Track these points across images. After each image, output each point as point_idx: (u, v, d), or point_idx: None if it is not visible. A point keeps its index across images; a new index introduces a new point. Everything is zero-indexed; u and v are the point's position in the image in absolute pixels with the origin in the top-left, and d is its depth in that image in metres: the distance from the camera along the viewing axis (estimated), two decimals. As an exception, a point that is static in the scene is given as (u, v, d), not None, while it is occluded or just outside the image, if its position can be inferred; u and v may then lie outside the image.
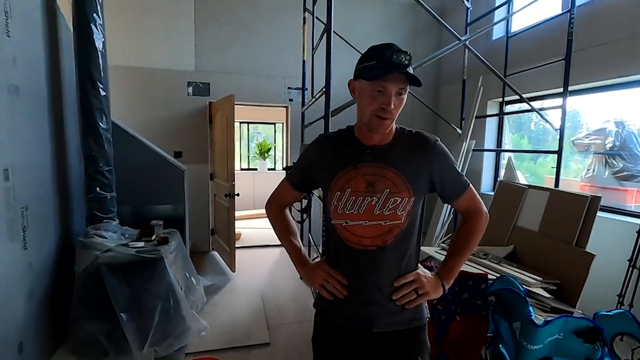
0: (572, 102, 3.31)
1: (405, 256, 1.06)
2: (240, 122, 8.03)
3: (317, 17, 3.16)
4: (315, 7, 3.14)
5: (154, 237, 2.53)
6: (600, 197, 2.43)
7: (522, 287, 1.78)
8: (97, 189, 2.37)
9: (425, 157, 1.05)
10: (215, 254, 4.44)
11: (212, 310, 2.98)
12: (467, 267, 2.52)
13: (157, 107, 4.19)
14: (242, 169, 7.95)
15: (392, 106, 0.95)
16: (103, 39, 2.33)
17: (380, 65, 0.92)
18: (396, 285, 1.05)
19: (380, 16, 4.77)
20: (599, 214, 2.92)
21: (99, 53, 2.30)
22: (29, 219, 1.96)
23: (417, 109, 4.77)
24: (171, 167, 3.13)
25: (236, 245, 4.49)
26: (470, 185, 1.11)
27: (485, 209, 1.12)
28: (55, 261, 2.27)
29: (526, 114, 4.14)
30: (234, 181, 3.59)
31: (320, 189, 1.17)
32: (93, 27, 2.25)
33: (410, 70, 0.95)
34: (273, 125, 8.25)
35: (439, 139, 1.09)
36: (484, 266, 2.57)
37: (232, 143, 3.58)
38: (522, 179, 4.15)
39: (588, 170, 3.36)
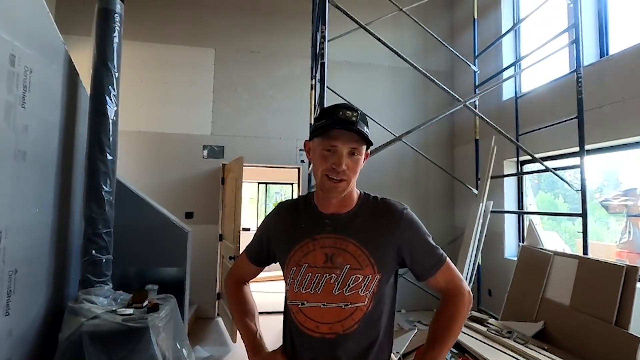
0: (606, 160, 3.11)
1: (372, 346, 0.90)
2: (259, 183, 8.19)
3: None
4: (318, 74, 3.30)
5: (145, 303, 2.42)
6: (638, 267, 2.13)
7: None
8: (93, 251, 2.35)
9: (392, 228, 0.93)
10: (220, 320, 4.21)
11: (204, 388, 2.71)
12: (485, 348, 2.20)
13: (173, 169, 4.35)
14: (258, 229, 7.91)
15: (344, 167, 0.86)
16: (116, 108, 2.49)
17: (327, 123, 0.87)
18: None
19: (389, 80, 4.94)
20: (641, 285, 2.56)
21: (110, 121, 2.44)
22: (17, 282, 1.93)
23: (432, 169, 4.67)
24: (175, 228, 3.12)
25: (241, 312, 4.28)
26: (448, 259, 0.96)
27: (467, 287, 0.96)
28: (41, 327, 2.19)
29: (560, 173, 3.91)
30: (239, 243, 3.51)
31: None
32: (107, 97, 2.42)
33: (365, 129, 0.88)
34: (291, 186, 8.34)
35: (408, 207, 0.97)
36: (507, 347, 2.23)
37: (239, 204, 3.57)
38: (559, 241, 3.78)
39: (623, 234, 3.03)
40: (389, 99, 4.91)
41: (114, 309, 2.29)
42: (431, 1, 4.37)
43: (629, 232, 2.95)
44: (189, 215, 4.31)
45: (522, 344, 2.27)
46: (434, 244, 0.96)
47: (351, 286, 0.88)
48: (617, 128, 2.74)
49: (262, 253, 1.06)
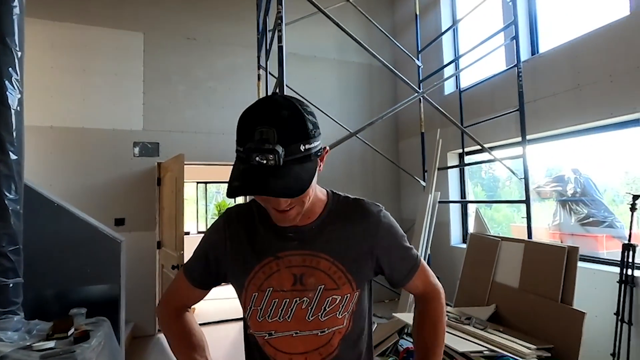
0: (520, 151, 3.37)
1: None
2: (198, 182, 7.64)
3: (270, 73, 3.09)
4: (268, 62, 3.09)
5: (71, 331, 2.01)
6: (577, 248, 2.31)
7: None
8: (-5, 275, 1.87)
9: (368, 236, 0.80)
10: (162, 337, 3.78)
11: (149, 420, 2.36)
12: (450, 337, 2.22)
13: (97, 171, 3.77)
14: (199, 232, 7.39)
15: (287, 205, 0.68)
16: (19, 96, 2.01)
17: (239, 172, 0.63)
18: None
19: (335, 73, 4.88)
20: (574, 263, 2.79)
21: (12, 112, 1.96)
22: None
23: (379, 162, 4.72)
24: (105, 238, 2.67)
25: (187, 325, 3.88)
26: (422, 259, 0.88)
27: (439, 283, 0.91)
28: None
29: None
30: (182, 250, 3.15)
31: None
32: (7, 82, 1.94)
33: (305, 146, 0.64)
34: (233, 184, 7.91)
35: (383, 208, 0.85)
36: (468, 333, 2.28)
37: (181, 207, 3.21)
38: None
39: (554, 217, 3.33)
40: (336, 93, 4.85)
41: (28, 344, 1.86)
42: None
43: (559, 215, 3.26)
44: (119, 222, 3.78)
45: (482, 329, 2.34)
46: (408, 245, 0.86)
47: (327, 309, 0.75)
48: (550, 120, 2.98)
49: (208, 275, 0.85)
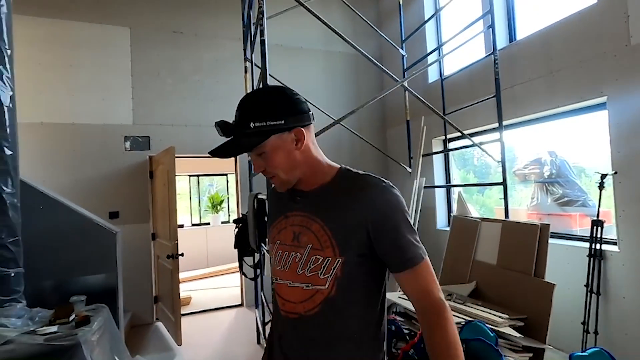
0: (505, 136, 3.49)
1: (340, 337, 0.83)
2: (190, 175, 7.69)
3: (256, 65, 3.16)
4: (253, 55, 3.15)
5: (72, 317, 2.12)
6: (549, 225, 2.45)
7: (492, 333, 1.64)
8: (-3, 265, 1.96)
9: (363, 208, 0.81)
10: (160, 325, 3.91)
11: (150, 399, 2.49)
12: (432, 311, 2.36)
13: (89, 166, 3.83)
14: (193, 225, 7.47)
15: (259, 169, 0.88)
16: (11, 93, 2.08)
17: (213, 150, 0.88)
18: None
19: (321, 64, 4.95)
20: (550, 240, 2.96)
21: (5, 108, 2.03)
22: None
23: (367, 151, 4.83)
24: (100, 230, 2.76)
25: (185, 312, 4.04)
26: (426, 259, 0.82)
27: (444, 299, 0.79)
28: None
29: (469, 150, 4.35)
30: (176, 240, 3.25)
31: None
32: (-2, 80, 2.00)
33: (254, 124, 0.82)
34: (225, 176, 7.99)
35: (389, 185, 0.84)
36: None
37: (174, 198, 3.30)
38: (473, 211, 4.24)
39: (532, 198, 3.48)
40: (323, 83, 4.92)
41: (32, 329, 1.96)
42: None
43: (536, 196, 3.42)
44: (113, 216, 3.86)
45: (461, 304, 2.49)
46: (411, 236, 0.81)
47: (312, 267, 0.83)
48: (525, 105, 3.11)
49: None
